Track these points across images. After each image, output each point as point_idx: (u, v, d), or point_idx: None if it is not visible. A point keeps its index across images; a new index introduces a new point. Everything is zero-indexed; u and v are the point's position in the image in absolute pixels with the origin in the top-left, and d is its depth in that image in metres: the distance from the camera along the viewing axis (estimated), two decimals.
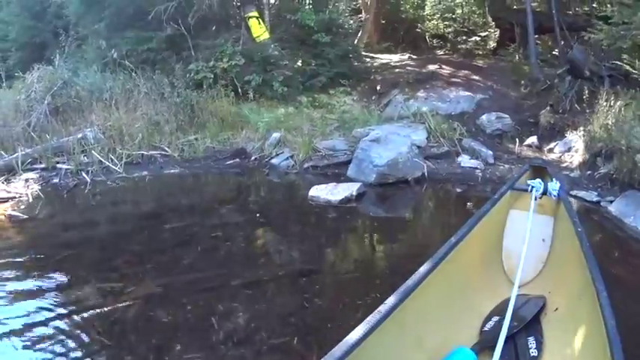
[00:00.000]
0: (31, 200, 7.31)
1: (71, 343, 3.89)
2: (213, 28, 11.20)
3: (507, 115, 9.03)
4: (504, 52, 13.21)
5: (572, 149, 7.95)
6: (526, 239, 3.05)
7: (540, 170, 3.98)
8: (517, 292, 2.62)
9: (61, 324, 4.15)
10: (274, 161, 8.64)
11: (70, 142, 8.70)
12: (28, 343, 3.91)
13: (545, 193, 3.48)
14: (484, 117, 9.04)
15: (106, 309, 4.37)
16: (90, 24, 11.60)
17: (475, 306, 2.95)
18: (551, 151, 8.24)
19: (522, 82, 10.43)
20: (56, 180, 8.13)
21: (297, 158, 8.49)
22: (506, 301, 2.61)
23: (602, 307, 2.28)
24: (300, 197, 7.26)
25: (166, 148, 9.11)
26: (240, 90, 10.28)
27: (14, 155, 8.43)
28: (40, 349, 3.84)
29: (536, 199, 3.42)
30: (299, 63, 11.28)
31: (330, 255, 5.67)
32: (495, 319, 2.74)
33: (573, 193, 6.60)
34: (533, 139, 8.54)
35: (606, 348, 2.17)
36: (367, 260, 5.57)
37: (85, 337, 3.97)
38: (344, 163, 8.18)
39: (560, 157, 7.97)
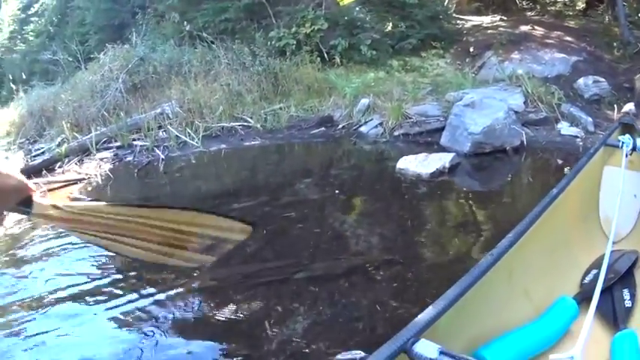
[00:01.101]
0: (100, 181, 6.65)
1: (107, 341, 3.29)
2: None
3: (604, 79, 7.77)
4: (593, 13, 11.89)
5: None
6: (618, 195, 2.99)
7: (630, 127, 3.72)
8: (613, 247, 2.69)
9: (100, 320, 3.51)
10: (363, 129, 7.66)
11: (146, 118, 8.05)
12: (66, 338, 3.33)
13: (634, 149, 3.30)
14: (581, 81, 7.78)
15: (149, 305, 3.62)
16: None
17: (575, 259, 2.83)
18: None
19: (615, 44, 9.25)
20: (130, 158, 7.47)
21: (386, 125, 7.43)
22: (604, 256, 2.55)
23: None
24: (388, 169, 6.17)
25: (248, 119, 8.30)
26: (326, 55, 9.43)
27: (88, 136, 7.84)
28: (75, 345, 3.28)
29: (627, 155, 3.25)
30: (387, 26, 10.14)
31: (415, 241, 4.46)
32: (594, 272, 2.64)
33: None
34: (630, 106, 6.96)
35: None
36: (459, 249, 4.34)
37: (119, 335, 3.35)
38: (436, 130, 7.08)
39: None
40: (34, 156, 7.70)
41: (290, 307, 3.50)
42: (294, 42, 9.32)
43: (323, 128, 8.03)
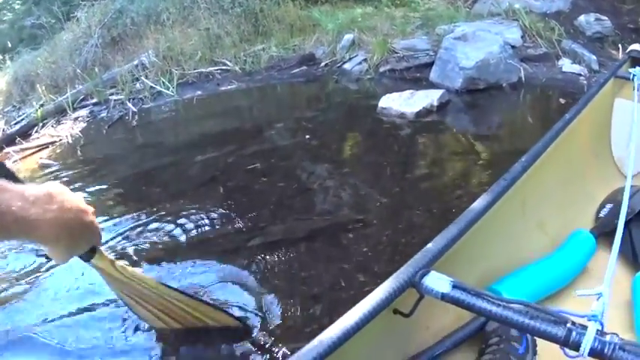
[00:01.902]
0: (70, 143, 5.80)
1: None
2: None
3: (606, 18, 6.75)
4: None
5: None
6: (632, 130, 2.60)
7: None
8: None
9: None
10: (346, 66, 6.65)
11: (123, 71, 7.14)
12: None
13: None
14: (582, 18, 6.73)
15: (83, 283, 2.81)
16: None
17: (589, 192, 2.55)
18: None
19: None
20: (104, 114, 6.55)
21: (370, 62, 6.47)
22: (618, 191, 2.41)
23: None
24: (369, 109, 5.20)
25: (228, 63, 7.31)
26: None
27: (65, 96, 6.94)
28: None
29: (639, 88, 2.81)
30: None
31: (392, 195, 3.50)
32: (609, 206, 2.35)
33: None
34: (636, 46, 6.14)
35: None
36: (445, 203, 3.31)
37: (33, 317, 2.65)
38: (426, 66, 6.08)
39: None
40: (16, 123, 6.84)
41: (237, 284, 2.71)
42: None
43: (304, 67, 7.02)
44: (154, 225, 3.43)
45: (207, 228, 3.32)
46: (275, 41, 7.51)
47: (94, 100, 6.93)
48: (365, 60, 6.55)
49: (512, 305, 1.19)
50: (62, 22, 9.48)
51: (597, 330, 1.08)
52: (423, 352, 1.48)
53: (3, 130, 6.53)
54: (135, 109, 6.41)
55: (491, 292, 1.62)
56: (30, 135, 6.30)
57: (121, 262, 1.74)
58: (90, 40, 7.98)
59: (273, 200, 3.57)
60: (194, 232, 3.29)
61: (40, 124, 6.47)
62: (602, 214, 2.37)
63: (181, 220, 3.44)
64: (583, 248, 2.03)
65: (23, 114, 7.10)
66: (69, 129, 6.22)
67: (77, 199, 1.05)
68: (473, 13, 7.36)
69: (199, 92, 6.75)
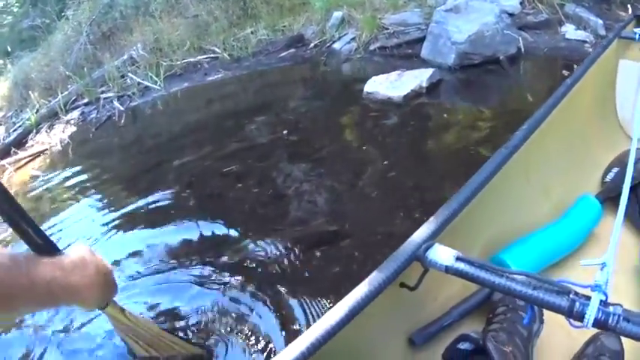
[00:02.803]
0: (60, 150, 5.45)
1: None
2: None
3: None
4: None
5: None
6: (638, 91, 2.66)
7: None
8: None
9: None
10: (336, 46, 6.20)
11: (112, 68, 6.77)
12: None
13: None
14: None
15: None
16: None
17: (593, 156, 2.43)
18: None
19: None
20: (94, 114, 6.18)
21: (359, 40, 6.00)
22: (624, 153, 2.19)
23: None
24: (355, 95, 4.73)
25: (216, 50, 6.94)
26: None
27: (57, 99, 6.59)
28: None
29: None
30: None
31: (372, 199, 3.07)
32: (615, 170, 2.25)
33: None
34: None
35: None
36: (430, 206, 2.59)
37: None
38: (417, 41, 5.57)
39: None
40: (14, 130, 6.49)
41: (201, 308, 2.38)
42: None
43: (292, 50, 6.57)
44: (122, 244, 3.14)
45: (166, 249, 2.97)
46: (264, 23, 7.10)
47: (85, 100, 6.60)
48: (354, 39, 6.10)
49: (515, 276, 1.18)
50: (56, 22, 9.14)
51: (601, 300, 1.07)
52: (432, 324, 1.47)
53: (3, 139, 6.19)
54: (122, 108, 6.05)
55: (497, 262, 1.66)
56: (26, 143, 5.98)
57: (128, 310, 1.84)
58: (80, 37, 7.64)
59: (246, 210, 3.20)
60: (161, 250, 2.96)
61: (35, 131, 6.15)
62: (608, 179, 2.28)
63: (144, 243, 3.10)
64: (589, 214, 1.97)
65: (21, 120, 6.78)
66: (59, 134, 5.89)
67: (102, 261, 1.12)
68: None
69: (186, 84, 6.36)
